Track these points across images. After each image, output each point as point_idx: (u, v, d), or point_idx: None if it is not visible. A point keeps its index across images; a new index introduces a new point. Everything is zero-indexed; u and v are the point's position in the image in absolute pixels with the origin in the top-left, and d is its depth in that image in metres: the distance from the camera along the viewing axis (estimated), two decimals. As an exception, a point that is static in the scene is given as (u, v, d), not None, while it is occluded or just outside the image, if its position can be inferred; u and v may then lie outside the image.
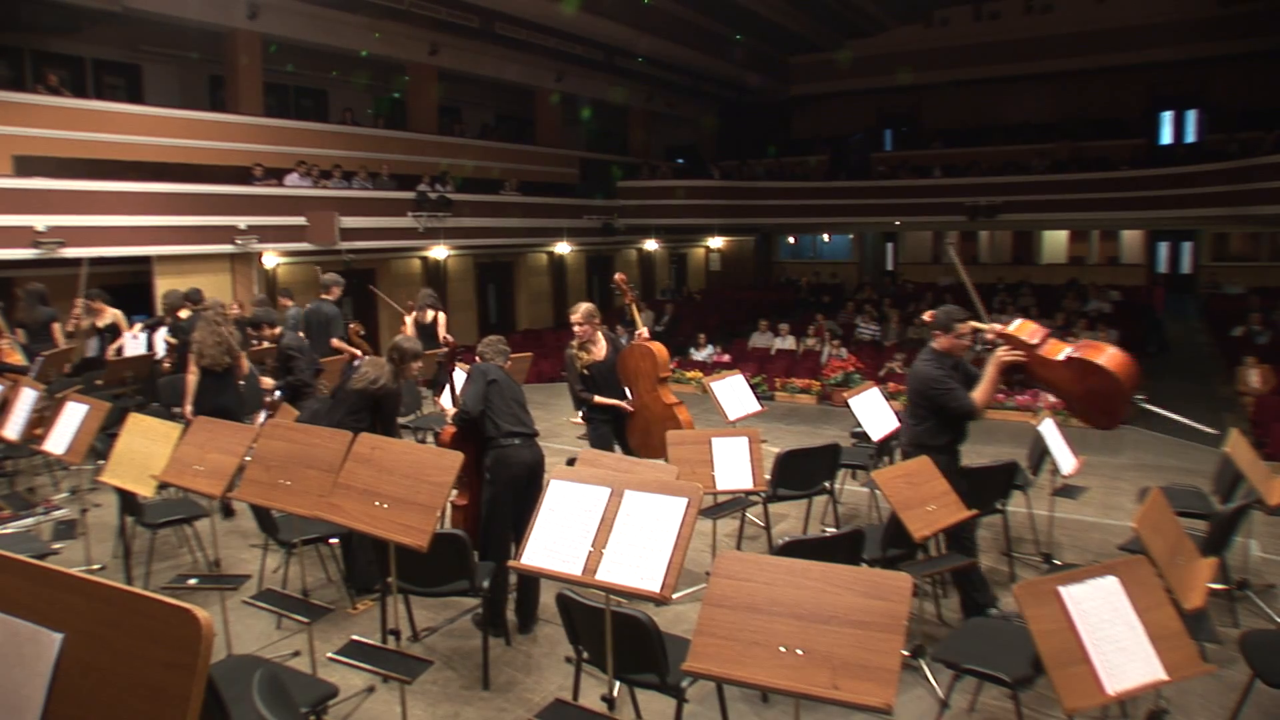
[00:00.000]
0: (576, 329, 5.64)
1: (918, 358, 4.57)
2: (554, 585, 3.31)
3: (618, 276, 6.52)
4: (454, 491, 4.64)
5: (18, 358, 7.57)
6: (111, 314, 8.67)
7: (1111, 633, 2.42)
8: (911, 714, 3.65)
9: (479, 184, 16.85)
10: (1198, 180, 16.30)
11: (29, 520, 5.88)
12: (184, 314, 8.29)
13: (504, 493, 4.33)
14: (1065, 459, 5.21)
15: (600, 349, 5.68)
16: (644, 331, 5.91)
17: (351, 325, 6.96)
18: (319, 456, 3.59)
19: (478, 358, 4.70)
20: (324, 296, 8.18)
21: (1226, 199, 15.44)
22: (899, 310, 16.40)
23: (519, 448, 4.35)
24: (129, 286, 10.77)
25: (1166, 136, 20.70)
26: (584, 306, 5.71)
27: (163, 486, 4.42)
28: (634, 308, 6.31)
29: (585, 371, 5.63)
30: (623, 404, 5.67)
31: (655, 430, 5.61)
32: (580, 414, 5.98)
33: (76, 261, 10.34)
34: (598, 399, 5.64)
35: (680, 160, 25.64)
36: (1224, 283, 19.35)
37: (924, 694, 3.79)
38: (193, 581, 4.18)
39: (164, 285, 10.98)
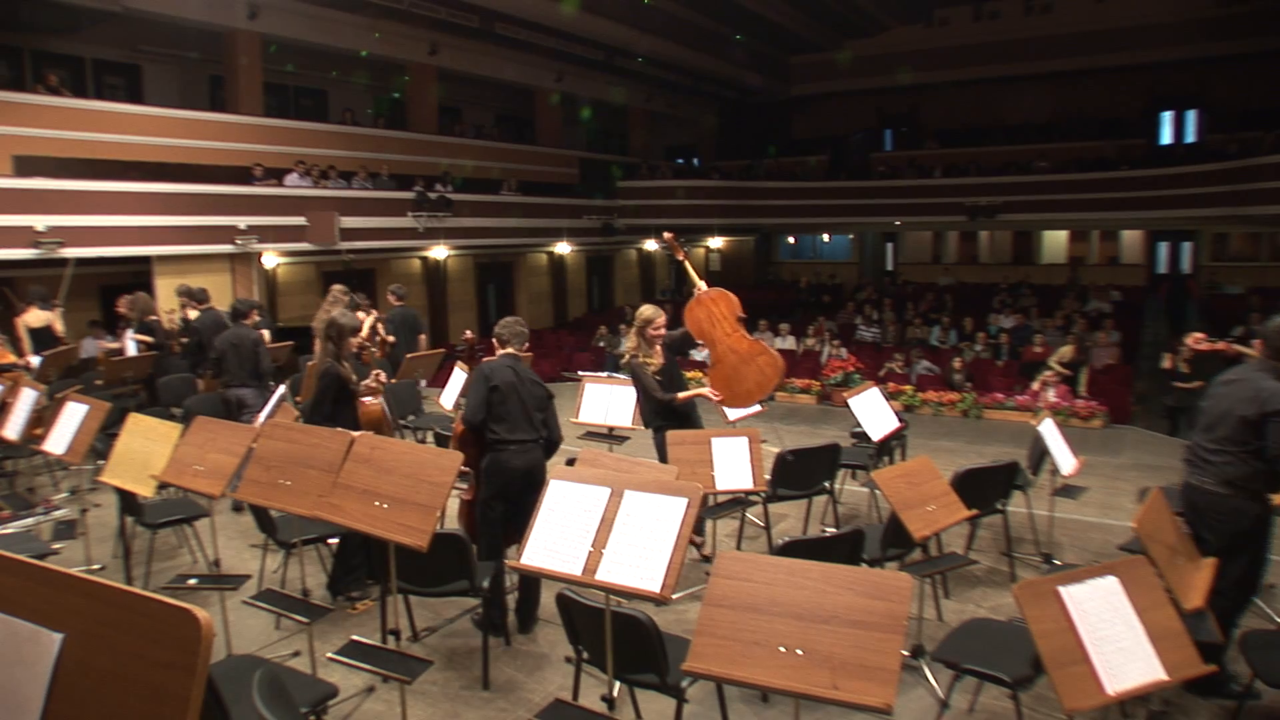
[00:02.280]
0: (651, 331, 5.28)
1: (1251, 368, 3.69)
2: (554, 585, 3.31)
3: (666, 235, 6.11)
4: (464, 485, 4.64)
5: (9, 357, 7.61)
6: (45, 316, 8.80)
7: (1111, 633, 2.42)
8: (911, 714, 3.65)
9: (479, 184, 16.86)
10: (1198, 180, 16.30)
11: (29, 520, 5.88)
12: (193, 313, 8.42)
13: (495, 497, 4.35)
14: (1065, 459, 5.21)
15: (658, 355, 5.36)
16: (702, 286, 5.54)
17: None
18: (319, 456, 3.59)
19: (495, 340, 4.60)
20: (398, 303, 9.25)
21: (1226, 199, 15.44)
22: (898, 311, 16.41)
23: (513, 453, 4.33)
24: (129, 286, 10.76)
25: (1166, 136, 20.69)
26: (652, 309, 5.41)
27: (163, 486, 4.42)
28: (688, 265, 5.77)
29: (658, 377, 5.29)
30: (706, 392, 5.31)
31: (747, 371, 5.22)
32: (651, 426, 5.48)
33: (76, 261, 10.36)
34: (680, 395, 5.30)
35: (680, 160, 25.63)
36: (1224, 283, 19.34)
37: (924, 694, 3.79)
38: (193, 581, 4.18)
39: (164, 285, 11.00)
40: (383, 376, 5.07)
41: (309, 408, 4.92)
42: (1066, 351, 11.74)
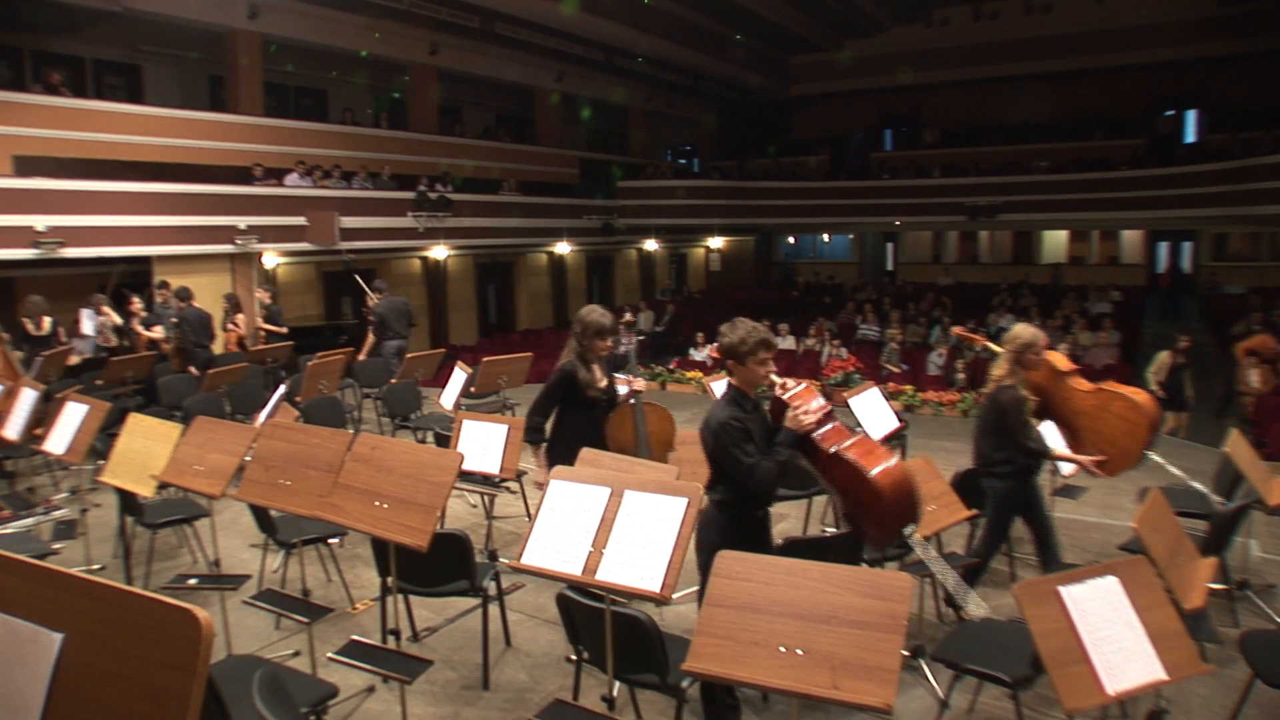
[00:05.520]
0: (1032, 356, 4.18)
1: None
2: (554, 585, 3.31)
3: (956, 330, 5.68)
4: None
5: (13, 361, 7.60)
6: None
7: (1111, 633, 2.42)
8: (911, 714, 3.65)
9: (479, 184, 16.85)
10: (1198, 180, 16.31)
11: (29, 520, 5.87)
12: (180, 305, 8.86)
13: None
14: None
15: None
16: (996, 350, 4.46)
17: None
18: (319, 456, 3.59)
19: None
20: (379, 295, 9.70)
21: (1226, 199, 15.45)
22: (899, 310, 16.41)
23: None
24: (129, 286, 10.77)
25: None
26: (1031, 330, 4.30)
27: (163, 486, 4.42)
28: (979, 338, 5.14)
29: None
30: (1086, 460, 4.27)
31: (1107, 428, 4.24)
32: (998, 474, 4.29)
33: (76, 261, 10.38)
34: (1057, 452, 4.36)
35: (680, 160, 25.63)
36: (1224, 283, 19.35)
37: (924, 694, 3.78)
38: (193, 581, 4.18)
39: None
40: (639, 384, 4.23)
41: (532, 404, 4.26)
42: (1165, 360, 9.67)
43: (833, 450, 3.15)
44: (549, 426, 4.36)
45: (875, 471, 3.05)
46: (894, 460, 3.11)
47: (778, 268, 25.10)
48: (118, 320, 8.77)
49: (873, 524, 3.12)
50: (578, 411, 4.15)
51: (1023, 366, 4.22)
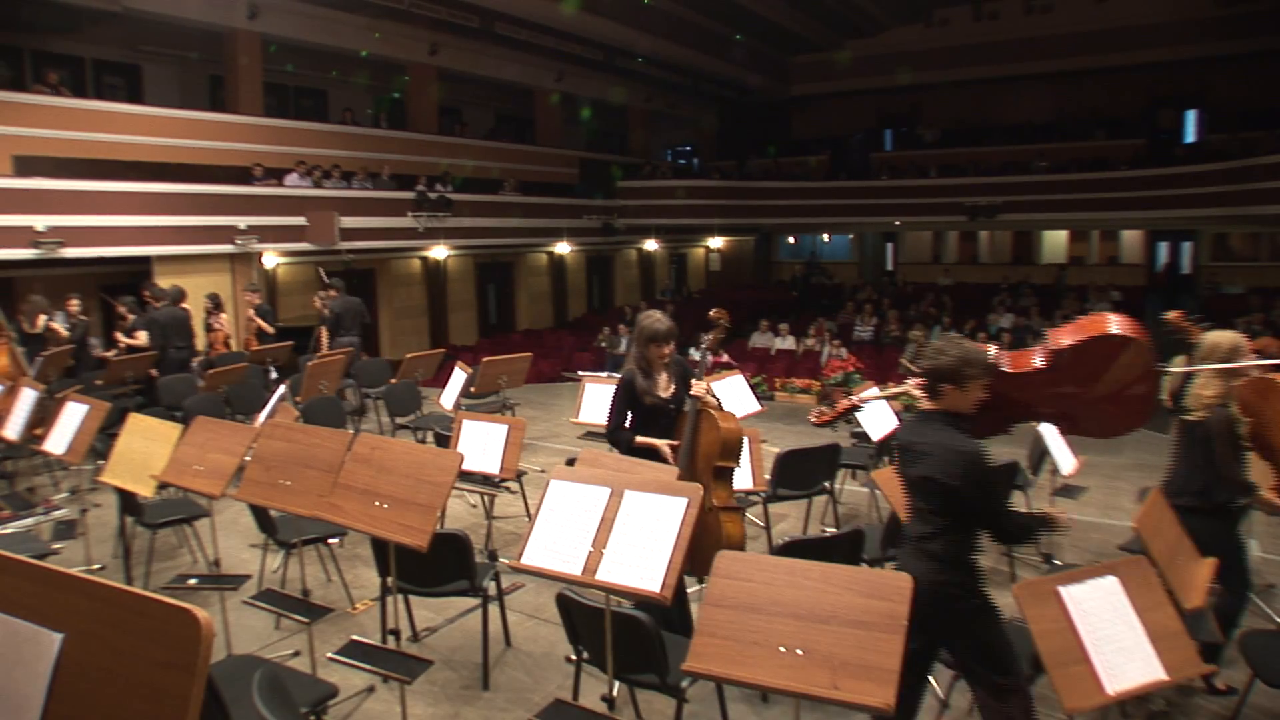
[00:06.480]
0: (1240, 358, 3.49)
1: None
2: (554, 585, 3.31)
3: (1172, 315, 4.67)
4: None
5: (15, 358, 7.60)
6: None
7: (1111, 633, 2.42)
8: (911, 714, 3.65)
9: (479, 184, 16.86)
10: (1198, 180, 16.31)
11: (29, 520, 5.87)
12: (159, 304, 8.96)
13: None
14: (1065, 459, 5.21)
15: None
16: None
17: None
18: (319, 456, 3.59)
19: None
20: (334, 294, 9.76)
21: (1226, 199, 15.45)
22: (898, 310, 16.42)
23: None
24: (129, 286, 10.77)
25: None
26: (1232, 334, 3.68)
27: (163, 486, 4.42)
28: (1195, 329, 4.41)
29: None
30: None
31: None
32: (1218, 499, 3.62)
33: (76, 261, 10.38)
34: (1267, 496, 3.54)
35: (680, 160, 25.61)
36: (1224, 283, 19.35)
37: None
38: (193, 581, 4.18)
39: (164, 285, 10.99)
40: (697, 388, 3.86)
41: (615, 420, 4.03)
42: (1180, 364, 8.74)
43: (1052, 357, 2.82)
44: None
45: (1113, 326, 2.75)
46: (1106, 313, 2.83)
47: (805, 266, 24.96)
48: (64, 333, 8.62)
49: (1142, 388, 2.75)
50: (643, 419, 3.95)
51: (1225, 376, 3.56)
